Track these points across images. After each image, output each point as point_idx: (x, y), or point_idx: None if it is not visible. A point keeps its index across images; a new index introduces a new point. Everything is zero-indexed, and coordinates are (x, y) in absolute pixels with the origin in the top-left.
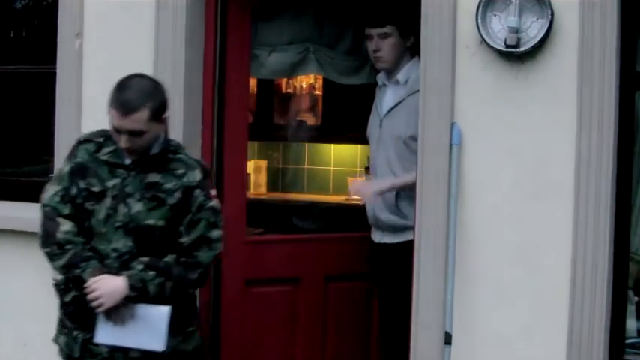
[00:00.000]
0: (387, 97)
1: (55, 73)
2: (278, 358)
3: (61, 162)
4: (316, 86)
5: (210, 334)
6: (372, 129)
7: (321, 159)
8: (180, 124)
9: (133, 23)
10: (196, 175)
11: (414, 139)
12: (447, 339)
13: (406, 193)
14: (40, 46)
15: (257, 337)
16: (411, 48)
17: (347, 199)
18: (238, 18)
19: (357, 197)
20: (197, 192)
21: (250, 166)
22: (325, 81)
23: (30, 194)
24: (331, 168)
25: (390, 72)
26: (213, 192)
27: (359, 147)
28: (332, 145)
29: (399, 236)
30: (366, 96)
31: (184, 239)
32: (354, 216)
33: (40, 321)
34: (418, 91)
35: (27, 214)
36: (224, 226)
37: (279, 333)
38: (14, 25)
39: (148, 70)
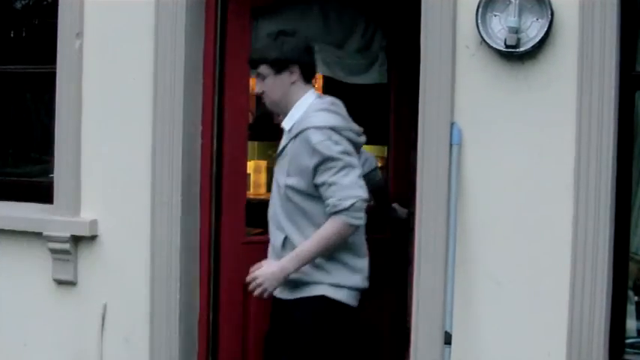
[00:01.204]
0: (282, 142)
1: (55, 73)
2: None
3: (62, 161)
4: (315, 87)
5: (209, 335)
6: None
7: None
8: (180, 124)
9: (133, 23)
10: None
11: (294, 189)
12: (447, 339)
13: (293, 246)
14: (40, 46)
15: (256, 338)
16: (303, 78)
17: None
18: (238, 17)
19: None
20: None
21: (250, 166)
22: (325, 82)
23: (30, 194)
24: None
25: (284, 110)
26: None
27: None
28: None
29: (295, 292)
30: (367, 97)
31: None
32: None
33: (40, 320)
34: (296, 136)
35: (27, 214)
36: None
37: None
38: (14, 25)
39: (147, 71)
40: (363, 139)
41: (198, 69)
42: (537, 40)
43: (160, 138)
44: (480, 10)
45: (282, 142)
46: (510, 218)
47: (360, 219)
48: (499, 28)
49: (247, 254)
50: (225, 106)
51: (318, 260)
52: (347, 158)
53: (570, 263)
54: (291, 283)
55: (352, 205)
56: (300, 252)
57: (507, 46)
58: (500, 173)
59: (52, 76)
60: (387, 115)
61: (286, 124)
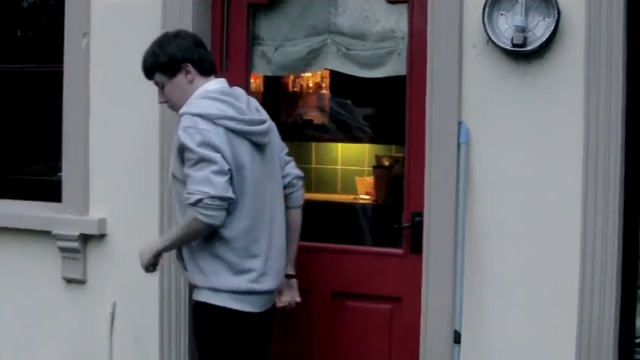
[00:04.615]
0: None
1: (62, 72)
2: None
3: (70, 160)
4: (323, 85)
5: None
6: None
7: (328, 158)
8: None
9: (140, 22)
10: None
11: (174, 177)
12: (457, 338)
13: (187, 244)
14: (46, 45)
15: None
16: (200, 72)
17: (355, 198)
18: (240, 15)
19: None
20: None
21: None
22: (333, 79)
23: (39, 193)
24: (339, 167)
25: None
26: None
27: (367, 146)
28: (339, 144)
29: (194, 293)
30: (375, 93)
31: None
32: (362, 215)
33: (49, 319)
34: (179, 121)
35: (36, 213)
36: None
37: (287, 347)
38: (21, 24)
39: None
40: (257, 127)
41: None
42: (544, 39)
43: (168, 135)
44: (487, 9)
45: None
46: (518, 217)
47: (209, 217)
48: (506, 27)
49: None
50: None
51: (201, 263)
52: (203, 151)
53: (579, 263)
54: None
55: (198, 201)
56: (164, 236)
57: (514, 45)
58: (508, 172)
59: (59, 75)
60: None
61: (180, 111)
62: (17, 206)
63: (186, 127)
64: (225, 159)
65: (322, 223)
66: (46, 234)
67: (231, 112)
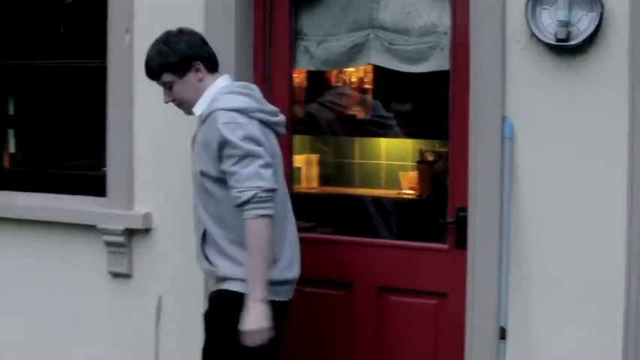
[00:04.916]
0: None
1: (105, 67)
2: None
3: (114, 155)
4: (366, 80)
5: None
6: None
7: (372, 153)
8: None
9: (183, 17)
10: None
11: (206, 175)
12: (502, 334)
13: (212, 238)
14: (90, 41)
15: (306, 339)
16: (208, 70)
17: (398, 193)
18: (279, 9)
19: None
20: None
21: (302, 159)
22: (376, 74)
23: (84, 187)
24: (382, 162)
25: None
26: None
27: (410, 141)
28: (383, 139)
29: (216, 286)
30: (419, 88)
31: None
32: (406, 209)
33: (96, 313)
34: (207, 117)
35: (82, 207)
36: None
37: (330, 340)
38: (65, 20)
39: None
40: (279, 118)
41: (247, 62)
42: (588, 33)
43: None
44: (530, 3)
45: (196, 130)
46: (564, 213)
47: (267, 209)
48: (549, 21)
49: None
50: (272, 98)
51: (233, 254)
52: (248, 146)
53: (625, 258)
54: (208, 275)
55: (253, 196)
56: (251, 276)
57: (558, 40)
58: (552, 168)
59: (103, 70)
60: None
61: (197, 110)
62: (63, 201)
63: (226, 122)
64: (266, 151)
65: (366, 218)
66: (91, 228)
67: (258, 105)
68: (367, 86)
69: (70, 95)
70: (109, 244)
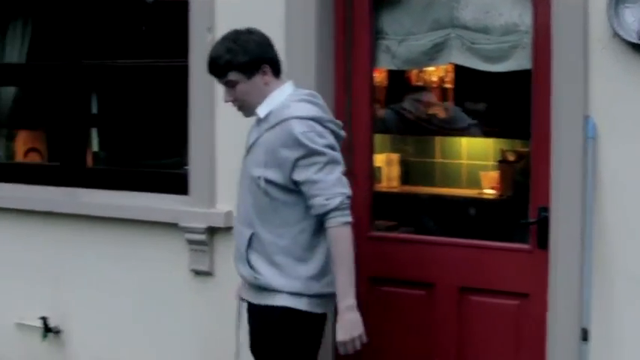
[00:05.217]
0: (253, 131)
1: (187, 66)
2: None
3: (196, 153)
4: (447, 79)
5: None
6: (241, 168)
7: (452, 152)
8: None
9: (264, 17)
10: None
11: (272, 183)
12: (585, 336)
13: (260, 244)
14: (172, 40)
15: (382, 339)
16: (274, 74)
17: (479, 193)
18: (360, 8)
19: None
20: None
21: (383, 158)
22: (457, 73)
23: (166, 186)
24: (463, 161)
25: None
26: None
27: (491, 140)
28: (463, 138)
29: (258, 297)
30: (500, 87)
31: None
32: (487, 209)
33: (178, 310)
34: (274, 126)
35: (164, 205)
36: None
37: (410, 339)
38: (147, 20)
39: None
40: (343, 132)
41: (328, 61)
42: None
43: None
44: (612, 1)
45: (255, 132)
46: None
47: (349, 216)
48: (632, 19)
49: (371, 249)
50: (352, 98)
51: (284, 266)
52: (331, 153)
53: None
54: (248, 282)
55: (340, 203)
56: (341, 285)
57: None
58: (636, 166)
59: (185, 70)
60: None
61: (261, 111)
62: (145, 199)
63: (305, 131)
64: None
65: (447, 218)
66: (173, 226)
67: (328, 116)
68: (448, 85)
69: (152, 94)
70: (190, 242)
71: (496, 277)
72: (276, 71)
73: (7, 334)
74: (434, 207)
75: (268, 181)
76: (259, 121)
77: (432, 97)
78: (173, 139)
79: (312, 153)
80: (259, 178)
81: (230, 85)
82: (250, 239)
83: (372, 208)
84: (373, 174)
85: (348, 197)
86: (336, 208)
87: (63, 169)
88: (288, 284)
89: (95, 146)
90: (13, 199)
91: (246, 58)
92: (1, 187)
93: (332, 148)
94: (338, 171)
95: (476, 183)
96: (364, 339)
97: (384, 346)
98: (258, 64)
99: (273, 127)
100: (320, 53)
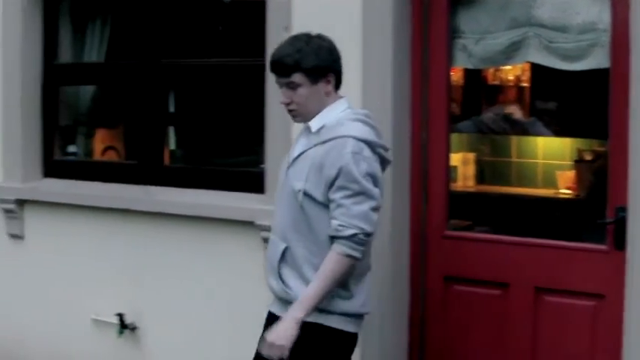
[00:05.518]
0: (301, 142)
1: (264, 65)
2: None
3: (273, 152)
4: (523, 78)
5: (420, 326)
6: (280, 177)
7: (528, 151)
8: (390, 115)
9: (340, 16)
10: None
11: (310, 197)
12: None
13: (293, 259)
14: (248, 39)
15: (460, 337)
16: (335, 86)
17: (555, 193)
18: (436, 7)
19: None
20: None
21: (459, 158)
22: (534, 72)
23: (242, 184)
24: (539, 161)
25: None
26: None
27: (568, 139)
28: (539, 137)
29: (283, 307)
30: (577, 86)
31: None
32: (563, 209)
33: (255, 308)
34: (327, 141)
35: (240, 204)
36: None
37: (484, 339)
38: (225, 19)
39: (355, 63)
40: (390, 157)
41: (405, 60)
42: None
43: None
44: None
45: (302, 144)
46: None
47: (358, 252)
48: None
49: (446, 249)
50: (429, 97)
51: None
52: (366, 184)
53: None
54: (277, 295)
55: (352, 235)
56: (307, 296)
57: None
58: None
59: (262, 69)
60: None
61: (314, 125)
62: (221, 197)
63: (354, 152)
64: (381, 193)
65: (523, 217)
66: (249, 224)
67: (380, 141)
68: (524, 84)
69: (228, 93)
70: (266, 240)
71: (572, 278)
72: (337, 84)
73: (84, 330)
74: (509, 206)
75: (307, 195)
76: (309, 133)
77: (515, 110)
78: (249, 138)
79: (349, 176)
80: (299, 191)
81: (291, 87)
82: (283, 253)
83: (448, 207)
84: (449, 173)
85: (366, 234)
86: (347, 238)
87: (140, 167)
88: (333, 304)
89: (172, 144)
90: (91, 197)
91: (316, 62)
92: (80, 184)
93: (372, 177)
94: (367, 205)
95: (552, 183)
96: (285, 354)
97: (458, 345)
98: (325, 72)
99: (324, 142)
100: (397, 52)
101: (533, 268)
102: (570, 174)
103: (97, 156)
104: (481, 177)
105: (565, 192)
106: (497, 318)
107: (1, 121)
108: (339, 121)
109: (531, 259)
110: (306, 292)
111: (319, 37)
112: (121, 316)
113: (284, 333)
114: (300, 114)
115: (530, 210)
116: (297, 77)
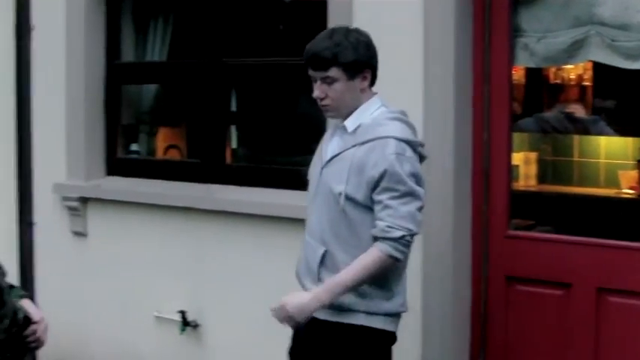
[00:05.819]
0: (334, 142)
1: None
2: None
3: None
4: (585, 77)
5: (481, 325)
6: (312, 178)
7: (590, 151)
8: (452, 114)
9: (402, 14)
10: None
11: (352, 200)
12: None
13: (333, 263)
14: (310, 39)
15: (521, 337)
16: (370, 83)
17: (617, 192)
18: (498, 6)
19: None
20: None
21: (520, 157)
22: (596, 71)
23: (299, 183)
24: (601, 160)
25: (347, 115)
26: None
27: (630, 139)
28: (602, 137)
29: (329, 314)
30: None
31: None
32: (626, 209)
33: None
34: (367, 142)
35: (290, 202)
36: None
37: (545, 340)
38: (285, 19)
39: (417, 63)
40: (427, 153)
41: (467, 59)
42: None
43: (432, 130)
44: None
45: (337, 144)
46: None
47: (403, 253)
48: None
49: (508, 248)
50: (490, 96)
51: (371, 287)
52: (412, 184)
53: None
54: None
55: (401, 237)
56: (336, 282)
57: None
58: None
59: None
60: None
61: (349, 124)
62: (280, 195)
63: (397, 153)
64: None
65: (584, 217)
66: (300, 222)
67: (419, 140)
68: (586, 83)
69: (289, 92)
70: None
71: (635, 278)
72: (373, 80)
73: (146, 327)
74: (571, 206)
75: (349, 199)
76: (343, 133)
77: (577, 109)
78: (309, 136)
79: (395, 177)
80: (340, 194)
81: (327, 82)
82: (323, 257)
83: (510, 207)
84: (511, 172)
85: (412, 235)
86: (394, 240)
87: (202, 165)
88: (362, 303)
89: (234, 143)
90: (153, 195)
91: (354, 57)
92: (142, 182)
93: (416, 177)
94: (414, 205)
95: (614, 182)
96: (292, 325)
97: (520, 345)
98: (362, 67)
99: (363, 143)
100: (458, 50)
101: (595, 269)
102: (633, 173)
103: (160, 154)
104: (543, 176)
105: (627, 192)
106: (559, 318)
107: (64, 120)
108: (376, 121)
109: (593, 259)
110: (337, 278)
111: (357, 31)
112: (183, 313)
113: (301, 307)
114: (334, 109)
115: (592, 210)
116: (334, 72)
